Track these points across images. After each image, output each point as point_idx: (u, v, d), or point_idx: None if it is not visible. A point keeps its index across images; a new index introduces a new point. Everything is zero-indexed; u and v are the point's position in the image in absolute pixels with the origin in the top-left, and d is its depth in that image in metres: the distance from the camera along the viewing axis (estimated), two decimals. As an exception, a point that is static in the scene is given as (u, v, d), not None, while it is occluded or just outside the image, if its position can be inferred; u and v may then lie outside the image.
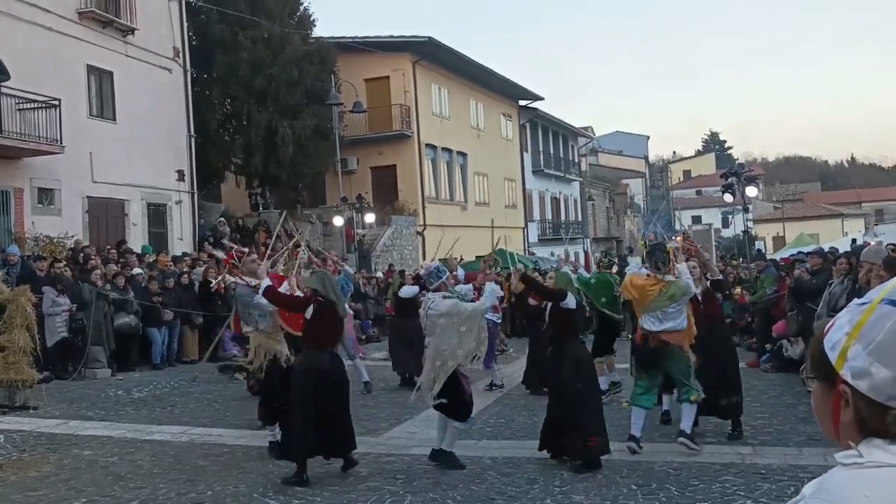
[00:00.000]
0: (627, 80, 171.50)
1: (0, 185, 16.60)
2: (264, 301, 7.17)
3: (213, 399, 11.05)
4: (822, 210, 60.50)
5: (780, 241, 46.77)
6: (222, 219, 23.94)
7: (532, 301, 8.77)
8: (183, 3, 22.31)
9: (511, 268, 10.58)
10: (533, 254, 32.97)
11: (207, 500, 6.18)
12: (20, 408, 9.85)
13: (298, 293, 7.23)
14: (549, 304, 7.29)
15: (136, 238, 19.84)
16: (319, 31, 28.66)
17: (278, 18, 25.11)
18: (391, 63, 29.02)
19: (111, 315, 13.76)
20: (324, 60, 26.12)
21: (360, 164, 29.04)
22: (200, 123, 23.37)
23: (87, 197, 18.70)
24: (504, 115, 37.98)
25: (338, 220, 24.65)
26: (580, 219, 47.34)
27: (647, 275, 7.25)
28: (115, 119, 19.69)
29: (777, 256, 21.23)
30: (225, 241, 20.21)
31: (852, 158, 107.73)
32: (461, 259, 13.72)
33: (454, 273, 10.84)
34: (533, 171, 40.78)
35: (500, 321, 12.56)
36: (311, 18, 27.42)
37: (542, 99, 39.39)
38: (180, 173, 21.89)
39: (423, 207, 29.96)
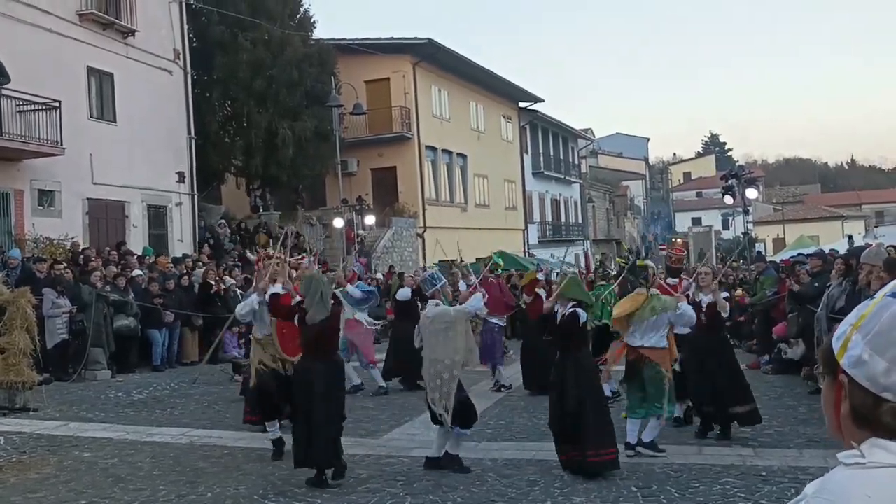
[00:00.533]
0: (627, 82, 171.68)
1: (0, 187, 16.60)
2: (246, 310, 7.31)
3: (213, 401, 11.04)
4: (822, 212, 60.48)
5: (780, 243, 46.75)
6: (222, 220, 23.94)
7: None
8: (183, 4, 22.33)
9: (512, 269, 10.58)
10: (533, 255, 32.95)
11: (207, 501, 6.18)
12: (20, 409, 9.85)
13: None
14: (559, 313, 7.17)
15: (137, 240, 19.84)
16: (319, 32, 28.77)
17: (278, 20, 25.13)
18: (391, 65, 29.04)
19: (111, 317, 13.77)
20: (324, 62, 26.14)
21: (360, 165, 29.07)
22: (201, 125, 23.38)
23: (88, 198, 18.70)
24: (504, 116, 38.00)
25: (338, 222, 24.65)
26: (580, 221, 47.35)
27: (637, 292, 7.33)
28: (115, 121, 19.70)
29: (777, 258, 21.25)
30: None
31: (852, 160, 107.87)
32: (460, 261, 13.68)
33: (468, 281, 10.59)
34: (533, 173, 40.80)
35: (504, 324, 12.54)
36: (312, 20, 27.47)
37: (542, 101, 39.41)
38: (180, 175, 21.90)
39: (424, 209, 29.97)
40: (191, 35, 23.52)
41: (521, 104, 39.30)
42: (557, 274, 9.47)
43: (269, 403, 7.50)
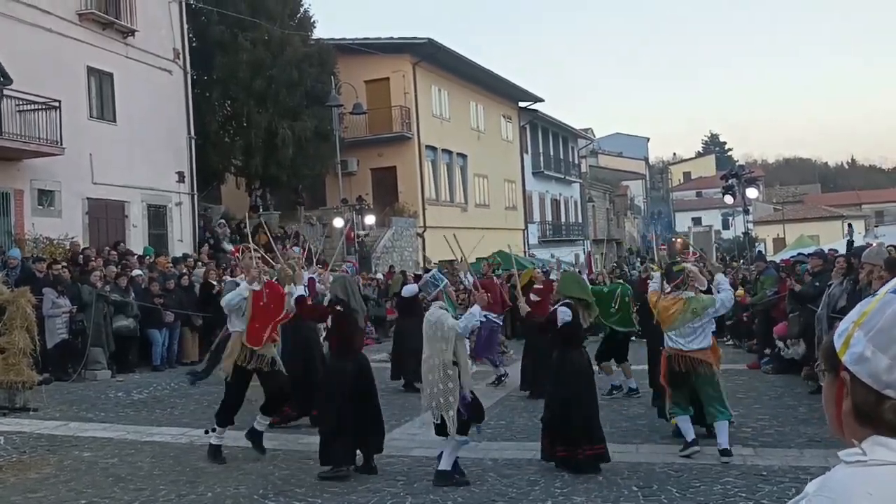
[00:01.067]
0: (627, 82, 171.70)
1: (0, 187, 16.60)
2: (237, 300, 7.40)
3: (214, 401, 10.98)
4: (822, 212, 60.47)
5: (780, 243, 46.74)
6: (222, 220, 23.93)
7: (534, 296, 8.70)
8: (183, 4, 22.32)
9: (513, 269, 10.57)
10: (533, 255, 32.94)
11: (207, 501, 6.17)
12: (20, 409, 9.85)
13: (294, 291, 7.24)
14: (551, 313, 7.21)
15: (137, 239, 19.84)
16: (319, 32, 28.75)
17: (278, 20, 25.13)
18: (391, 64, 29.04)
19: (111, 316, 13.76)
20: (324, 62, 26.13)
21: (360, 165, 29.06)
22: (200, 125, 23.38)
23: (88, 198, 18.70)
24: (504, 116, 37.99)
25: (338, 222, 24.64)
26: (580, 220, 47.34)
27: (668, 294, 7.27)
28: (115, 120, 19.70)
29: (777, 258, 21.24)
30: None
31: (852, 160, 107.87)
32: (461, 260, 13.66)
33: (465, 276, 10.63)
34: (533, 173, 40.79)
35: (500, 322, 12.53)
36: (311, 20, 27.46)
37: (542, 100, 39.40)
38: (180, 175, 21.89)
39: (424, 209, 29.96)
40: (190, 35, 23.52)
41: (521, 104, 39.29)
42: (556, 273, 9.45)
43: (235, 406, 7.53)
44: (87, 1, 18.85)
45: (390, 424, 8.94)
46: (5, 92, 15.87)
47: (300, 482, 6.63)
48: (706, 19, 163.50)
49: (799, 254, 16.75)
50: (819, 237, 32.07)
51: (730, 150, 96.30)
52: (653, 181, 73.62)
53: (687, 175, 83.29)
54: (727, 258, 29.10)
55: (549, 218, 43.12)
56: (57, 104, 16.89)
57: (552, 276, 12.04)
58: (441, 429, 6.53)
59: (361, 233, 25.73)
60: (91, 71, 19.10)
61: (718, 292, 7.23)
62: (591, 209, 49.12)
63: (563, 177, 44.58)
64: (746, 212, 26.17)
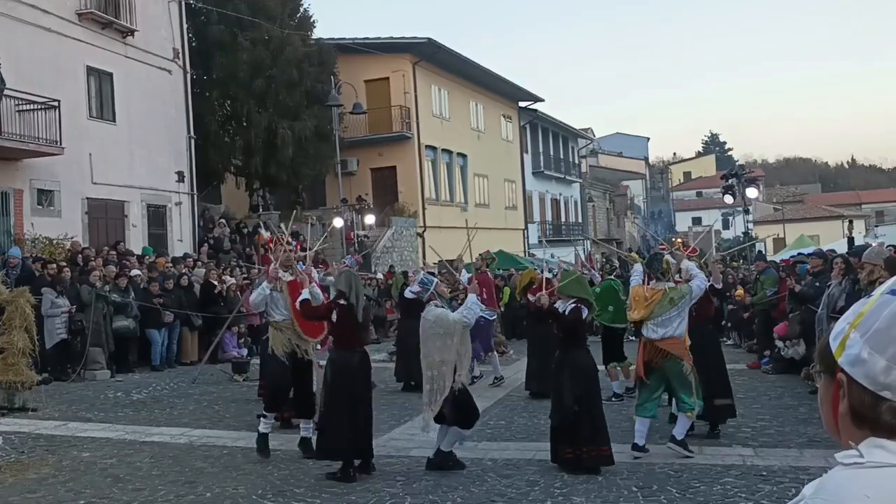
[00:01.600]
0: (627, 82, 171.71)
1: (-1, 187, 16.61)
2: (259, 298, 7.59)
3: (213, 401, 11.03)
4: (822, 212, 60.48)
5: (780, 243, 46.71)
6: (222, 220, 23.92)
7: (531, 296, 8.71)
8: (182, 4, 22.31)
9: (513, 269, 10.55)
10: (533, 255, 32.93)
11: (206, 501, 6.16)
12: (19, 409, 9.84)
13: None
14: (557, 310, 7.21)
15: (136, 239, 19.83)
16: (319, 32, 28.69)
17: (278, 20, 25.11)
18: (391, 64, 29.01)
19: (111, 316, 13.75)
20: (324, 62, 26.12)
21: (360, 165, 29.04)
22: (200, 125, 23.36)
23: (87, 198, 18.68)
24: (504, 116, 37.98)
25: (338, 222, 24.62)
26: (580, 220, 47.33)
27: (648, 285, 7.27)
28: (114, 120, 19.68)
29: (777, 258, 21.22)
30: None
31: (852, 160, 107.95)
32: (460, 259, 13.65)
33: (459, 272, 10.65)
34: (533, 173, 40.77)
35: (493, 318, 12.48)
36: (311, 20, 27.45)
37: (542, 100, 39.38)
38: (180, 175, 21.88)
39: (424, 209, 29.94)
40: (190, 34, 23.51)
41: (521, 104, 39.26)
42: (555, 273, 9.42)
43: (276, 393, 7.60)
44: (87, 0, 18.84)
45: (390, 424, 8.96)
46: (5, 92, 15.85)
47: (299, 482, 6.62)
48: (707, 19, 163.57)
49: (799, 254, 16.73)
50: (819, 237, 32.11)
51: (730, 150, 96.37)
52: (653, 181, 73.53)
53: (687, 175, 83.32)
54: (727, 258, 29.08)
55: (549, 218, 43.10)
56: (56, 104, 16.87)
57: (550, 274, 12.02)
58: (441, 417, 6.69)
59: (361, 233, 25.72)
60: (90, 70, 19.08)
61: (690, 280, 7.26)
62: (591, 209, 49.10)
63: (563, 177, 44.56)
64: (746, 212, 26.17)
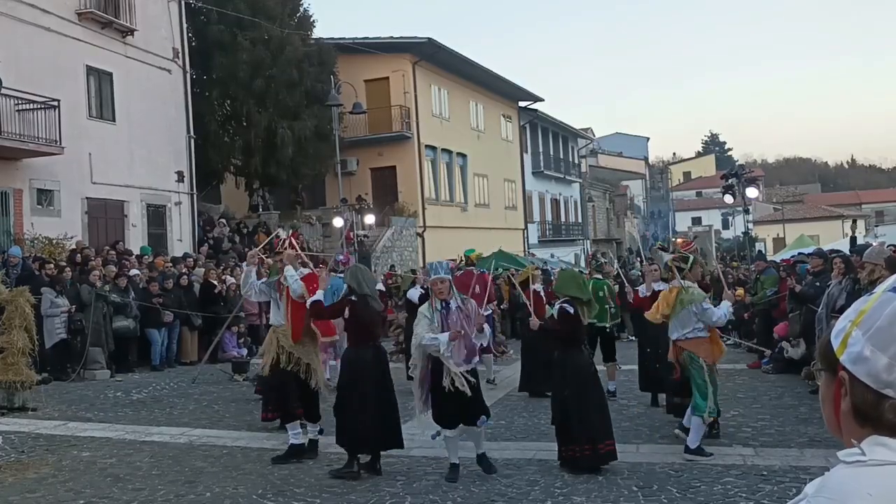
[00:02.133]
0: (627, 81, 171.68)
1: (-1, 186, 16.59)
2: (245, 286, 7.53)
3: (213, 401, 11.02)
4: (822, 211, 60.51)
5: (780, 243, 46.74)
6: (222, 220, 23.92)
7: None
8: (182, 3, 22.30)
9: (512, 268, 10.55)
10: (533, 255, 32.93)
11: (206, 501, 6.16)
12: (19, 409, 9.84)
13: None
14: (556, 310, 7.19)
15: (136, 239, 19.82)
16: (319, 32, 28.70)
17: (278, 19, 25.10)
18: (391, 64, 29.00)
19: (110, 316, 13.75)
20: (323, 61, 26.10)
21: (359, 165, 29.04)
22: (200, 124, 23.35)
23: (87, 198, 18.68)
24: (504, 116, 37.96)
25: (338, 222, 24.62)
26: (580, 220, 47.31)
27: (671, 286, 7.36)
28: (114, 120, 19.68)
29: (777, 258, 21.22)
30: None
31: (852, 160, 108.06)
32: (460, 259, 13.63)
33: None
34: (533, 173, 40.76)
35: (489, 313, 12.40)
36: (311, 19, 27.44)
37: (541, 100, 39.37)
38: (180, 174, 21.87)
39: (423, 209, 29.93)
40: (190, 34, 23.50)
41: (521, 103, 39.25)
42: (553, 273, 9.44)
43: (287, 402, 7.45)
44: (87, 0, 18.83)
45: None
46: (4, 91, 15.85)
47: (299, 482, 6.61)
48: (706, 19, 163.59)
49: (799, 254, 16.73)
50: (819, 237, 32.10)
51: (730, 150, 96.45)
52: (653, 181, 73.49)
53: (687, 175, 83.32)
54: (727, 258, 29.10)
55: (548, 218, 43.09)
56: (56, 103, 16.87)
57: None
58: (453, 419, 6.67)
59: (361, 232, 25.70)
60: (90, 70, 19.07)
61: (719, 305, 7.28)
62: (591, 209, 49.07)
63: (562, 176, 44.54)
64: (746, 212, 26.17)
